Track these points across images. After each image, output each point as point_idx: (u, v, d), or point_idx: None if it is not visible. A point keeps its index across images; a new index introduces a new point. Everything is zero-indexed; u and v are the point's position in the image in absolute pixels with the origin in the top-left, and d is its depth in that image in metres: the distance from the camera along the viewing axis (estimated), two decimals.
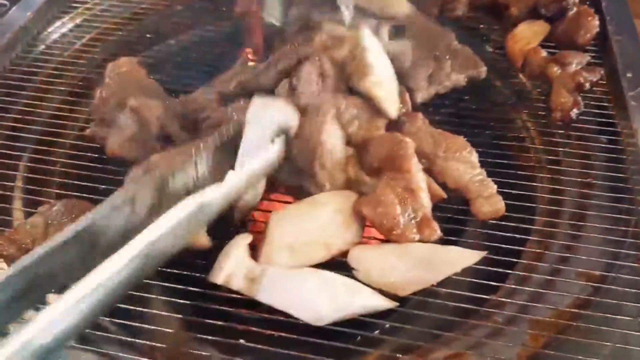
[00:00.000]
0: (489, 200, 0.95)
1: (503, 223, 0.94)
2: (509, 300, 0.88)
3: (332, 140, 0.94)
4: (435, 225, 0.88)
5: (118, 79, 1.12)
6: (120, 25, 1.45)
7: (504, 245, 0.90)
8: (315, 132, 0.92)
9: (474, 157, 1.00)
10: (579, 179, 1.04)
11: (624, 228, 0.95)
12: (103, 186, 1.01)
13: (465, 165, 0.98)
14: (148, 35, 1.45)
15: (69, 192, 1.01)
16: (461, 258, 0.86)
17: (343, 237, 0.89)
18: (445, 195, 0.95)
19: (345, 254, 0.88)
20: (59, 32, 1.42)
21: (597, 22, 1.23)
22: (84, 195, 1.00)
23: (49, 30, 1.42)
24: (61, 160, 1.13)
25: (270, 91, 1.06)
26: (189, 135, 0.99)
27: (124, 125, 0.99)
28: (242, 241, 0.87)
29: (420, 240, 0.87)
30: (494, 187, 0.96)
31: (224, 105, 1.03)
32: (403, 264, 0.84)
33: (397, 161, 0.91)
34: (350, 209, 0.90)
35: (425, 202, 0.90)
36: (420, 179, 0.91)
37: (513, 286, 0.90)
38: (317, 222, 0.88)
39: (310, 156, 0.92)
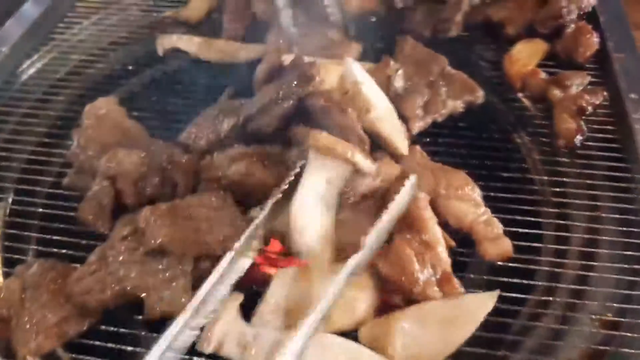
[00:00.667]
0: (496, 243, 0.90)
1: (508, 264, 0.90)
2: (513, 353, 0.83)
3: None
4: (457, 282, 0.83)
5: (96, 123, 1.06)
6: (98, 56, 1.39)
7: (507, 294, 0.85)
8: None
9: (477, 194, 0.94)
10: (587, 213, 0.98)
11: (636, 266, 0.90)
12: (84, 241, 0.95)
13: (468, 203, 0.93)
14: (129, 67, 1.38)
15: (48, 249, 0.96)
16: (480, 306, 0.81)
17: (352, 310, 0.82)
18: (454, 244, 0.90)
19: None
20: (36, 67, 1.36)
21: (596, 39, 1.18)
22: (64, 252, 0.95)
23: (25, 65, 1.36)
24: (39, 210, 1.07)
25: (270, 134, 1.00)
26: (170, 190, 0.94)
27: (99, 193, 0.93)
28: (233, 302, 0.82)
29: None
30: (500, 228, 0.91)
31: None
32: (426, 333, 0.79)
33: (412, 217, 0.86)
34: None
35: (444, 256, 0.85)
36: (437, 232, 0.86)
37: (518, 338, 0.84)
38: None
39: None
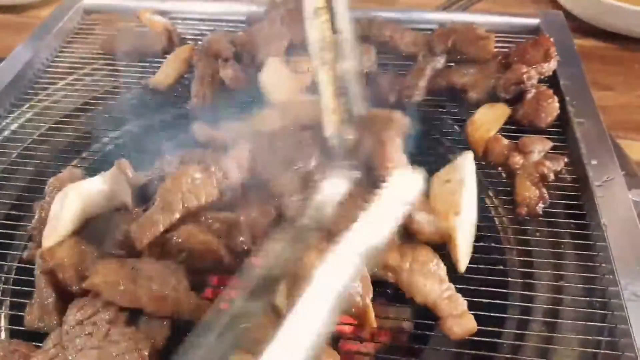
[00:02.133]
0: (460, 320, 0.89)
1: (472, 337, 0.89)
2: None
3: None
4: None
5: None
6: (64, 123, 1.39)
7: None
8: None
9: (442, 271, 0.94)
10: (551, 283, 0.98)
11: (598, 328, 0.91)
12: None
13: (433, 280, 0.93)
14: (96, 132, 1.38)
15: (19, 327, 0.94)
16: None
17: None
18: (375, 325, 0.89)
19: None
20: (10, 129, 1.36)
21: (557, 105, 1.20)
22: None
23: (7, 121, 1.37)
24: (9, 287, 1.06)
25: None
26: None
27: (39, 297, 0.92)
28: None
29: None
30: (464, 304, 0.91)
31: None
32: None
33: None
34: None
35: None
36: None
37: None
38: None
39: None
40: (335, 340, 0.94)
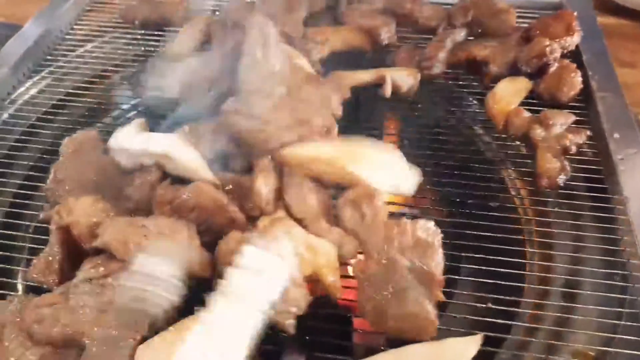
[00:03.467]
0: None
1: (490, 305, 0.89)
2: None
3: None
4: None
5: (73, 158, 1.06)
6: (83, 89, 1.39)
7: (490, 334, 0.84)
8: None
9: None
10: (570, 254, 0.98)
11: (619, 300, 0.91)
12: None
13: None
14: (114, 100, 1.38)
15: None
16: (463, 350, 0.80)
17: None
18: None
19: None
20: (29, 93, 1.37)
21: (580, 79, 1.18)
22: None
23: (26, 85, 1.37)
24: (27, 245, 1.07)
25: None
26: None
27: (48, 252, 0.91)
28: None
29: None
30: None
31: None
32: None
33: None
34: None
35: None
36: None
37: None
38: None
39: None
40: None
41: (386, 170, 0.99)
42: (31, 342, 0.81)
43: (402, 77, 1.20)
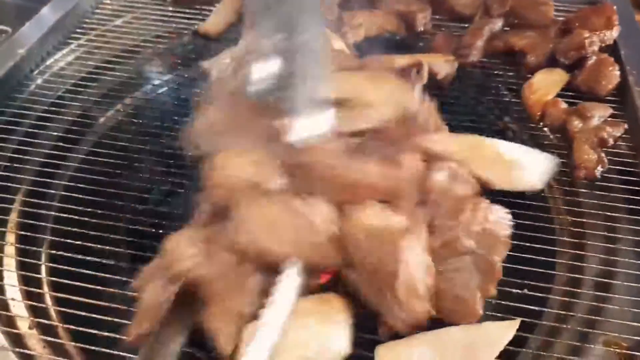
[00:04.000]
0: None
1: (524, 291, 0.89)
2: None
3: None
4: None
5: None
6: (114, 63, 1.38)
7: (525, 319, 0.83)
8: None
9: None
10: (604, 244, 0.97)
11: None
12: (99, 245, 0.93)
13: None
14: (144, 75, 1.38)
15: (61, 253, 0.95)
16: (501, 334, 0.79)
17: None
18: None
19: None
20: (51, 70, 1.35)
21: (618, 72, 1.18)
22: (75, 256, 0.93)
23: (41, 67, 1.35)
24: (52, 214, 1.05)
25: None
26: None
27: None
28: None
29: None
30: None
31: None
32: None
33: None
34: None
35: None
36: None
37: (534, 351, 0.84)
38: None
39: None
40: None
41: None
42: None
43: (439, 64, 1.19)
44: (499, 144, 1.00)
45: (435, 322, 0.81)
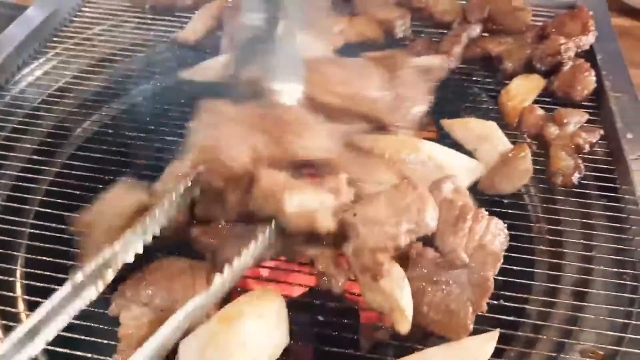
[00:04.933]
0: None
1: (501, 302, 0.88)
2: None
3: None
4: None
5: None
6: (90, 72, 1.37)
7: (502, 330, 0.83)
8: None
9: None
10: (581, 252, 0.98)
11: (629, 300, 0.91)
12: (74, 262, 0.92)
13: None
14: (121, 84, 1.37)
15: (36, 270, 0.94)
16: (481, 349, 0.79)
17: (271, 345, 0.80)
18: None
19: None
20: (34, 75, 1.35)
21: (593, 78, 1.18)
22: (52, 274, 0.91)
23: (30, 67, 1.35)
24: (27, 231, 1.05)
25: None
26: None
27: None
28: None
29: None
30: None
31: None
32: None
33: None
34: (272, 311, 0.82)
35: None
36: None
37: None
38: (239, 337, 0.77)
39: None
40: None
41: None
42: None
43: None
44: (432, 146, 1.04)
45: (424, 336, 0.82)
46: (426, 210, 0.86)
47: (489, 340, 0.80)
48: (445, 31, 1.35)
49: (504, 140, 1.09)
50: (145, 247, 0.90)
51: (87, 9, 1.53)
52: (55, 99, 1.29)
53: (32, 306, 0.93)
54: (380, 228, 0.84)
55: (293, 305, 0.90)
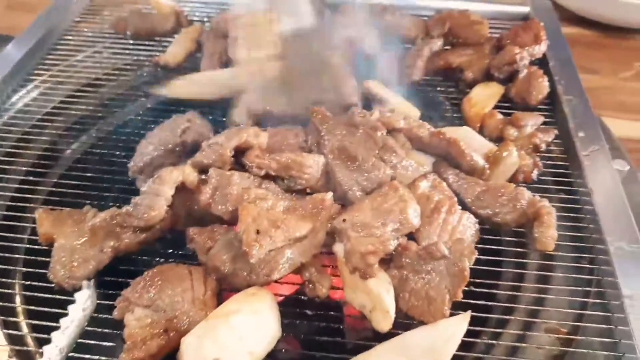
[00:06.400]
0: None
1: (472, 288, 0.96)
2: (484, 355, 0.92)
3: None
4: None
5: None
6: (76, 97, 1.43)
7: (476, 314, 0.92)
8: None
9: None
10: None
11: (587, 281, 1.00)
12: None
13: None
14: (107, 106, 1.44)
15: (35, 283, 0.99)
16: (456, 328, 0.88)
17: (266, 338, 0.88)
18: None
19: None
20: (16, 107, 1.39)
21: (547, 83, 1.29)
22: (49, 285, 0.97)
23: (13, 99, 1.41)
24: (24, 246, 1.11)
25: None
26: None
27: None
28: None
29: None
30: None
31: None
32: None
33: None
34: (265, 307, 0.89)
35: None
36: None
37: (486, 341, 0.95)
38: (235, 331, 0.85)
39: None
40: None
41: None
42: None
43: None
44: None
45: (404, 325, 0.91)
46: (408, 209, 0.95)
47: (462, 321, 0.88)
48: (411, 46, 1.45)
49: (483, 140, 1.17)
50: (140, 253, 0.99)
51: (70, 37, 1.59)
52: (46, 123, 1.36)
53: (32, 315, 1.00)
54: (368, 231, 0.93)
55: (283, 301, 0.98)
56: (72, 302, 0.94)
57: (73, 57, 1.54)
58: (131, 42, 1.57)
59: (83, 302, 0.93)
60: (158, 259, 1.03)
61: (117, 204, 1.06)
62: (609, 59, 1.66)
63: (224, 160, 1.04)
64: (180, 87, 1.35)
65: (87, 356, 0.88)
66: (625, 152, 1.25)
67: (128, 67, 1.51)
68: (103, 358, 0.88)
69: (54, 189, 1.24)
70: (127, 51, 1.54)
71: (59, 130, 1.36)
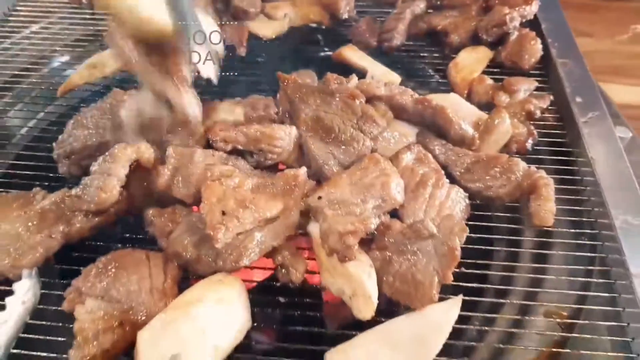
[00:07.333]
0: None
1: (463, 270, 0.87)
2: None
3: None
4: None
5: None
6: (32, 69, 1.32)
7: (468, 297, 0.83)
8: None
9: None
10: None
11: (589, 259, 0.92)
12: None
13: None
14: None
15: None
16: (446, 316, 0.79)
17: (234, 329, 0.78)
18: None
19: None
20: None
21: (540, 46, 1.20)
22: None
23: None
24: None
25: None
26: None
27: None
28: None
29: None
30: None
31: None
32: (398, 354, 0.75)
33: None
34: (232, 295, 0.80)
35: None
36: None
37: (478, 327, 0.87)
38: (197, 323, 0.76)
39: None
40: None
41: None
42: None
43: None
44: None
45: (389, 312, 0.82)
46: (390, 184, 0.85)
47: (453, 306, 0.79)
48: (391, 10, 1.34)
49: (472, 108, 1.08)
50: (97, 238, 0.89)
51: (21, 8, 1.47)
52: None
53: None
54: (347, 209, 0.83)
55: (254, 288, 0.88)
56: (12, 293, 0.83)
57: (27, 28, 1.42)
58: (89, 11, 1.45)
59: (23, 294, 0.83)
60: (115, 244, 0.92)
61: (69, 185, 0.95)
62: (603, 21, 1.57)
63: None
64: None
65: (33, 353, 0.78)
66: (625, 118, 1.16)
67: (86, 38, 1.39)
68: (51, 355, 0.78)
69: (8, 170, 1.12)
70: (85, 22, 1.42)
71: (12, 107, 1.24)
